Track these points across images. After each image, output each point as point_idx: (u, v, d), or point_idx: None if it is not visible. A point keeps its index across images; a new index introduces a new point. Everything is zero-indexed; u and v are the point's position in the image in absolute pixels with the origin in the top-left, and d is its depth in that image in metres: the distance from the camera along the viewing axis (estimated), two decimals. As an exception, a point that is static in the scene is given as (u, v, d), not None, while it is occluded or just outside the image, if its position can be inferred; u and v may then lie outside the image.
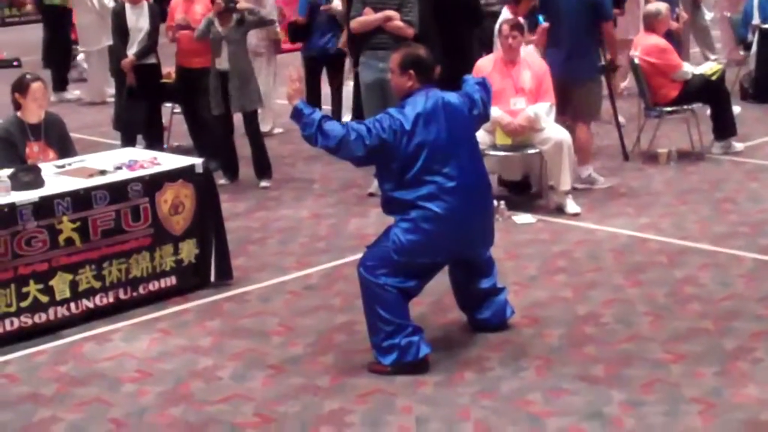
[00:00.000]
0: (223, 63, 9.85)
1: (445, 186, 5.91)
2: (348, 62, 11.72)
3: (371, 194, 9.50)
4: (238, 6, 9.89)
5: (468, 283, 6.42)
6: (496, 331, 6.49)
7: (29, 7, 16.54)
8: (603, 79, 10.10)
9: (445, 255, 6.13)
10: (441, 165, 5.92)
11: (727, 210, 8.81)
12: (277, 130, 12.16)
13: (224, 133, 10.14)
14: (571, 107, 9.47)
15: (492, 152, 8.93)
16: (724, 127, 10.52)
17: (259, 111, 11.81)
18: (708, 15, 15.24)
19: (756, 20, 13.18)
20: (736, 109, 11.20)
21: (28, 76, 7.88)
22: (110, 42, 11.87)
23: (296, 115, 5.94)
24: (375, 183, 9.57)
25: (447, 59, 9.86)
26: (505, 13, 9.51)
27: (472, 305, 6.50)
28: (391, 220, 6.20)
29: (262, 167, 10.15)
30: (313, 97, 11.74)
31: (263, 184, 10.05)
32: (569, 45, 9.33)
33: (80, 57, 15.68)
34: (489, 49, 9.80)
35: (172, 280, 7.30)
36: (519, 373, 5.97)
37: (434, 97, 6.03)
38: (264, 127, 11.94)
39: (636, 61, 10.37)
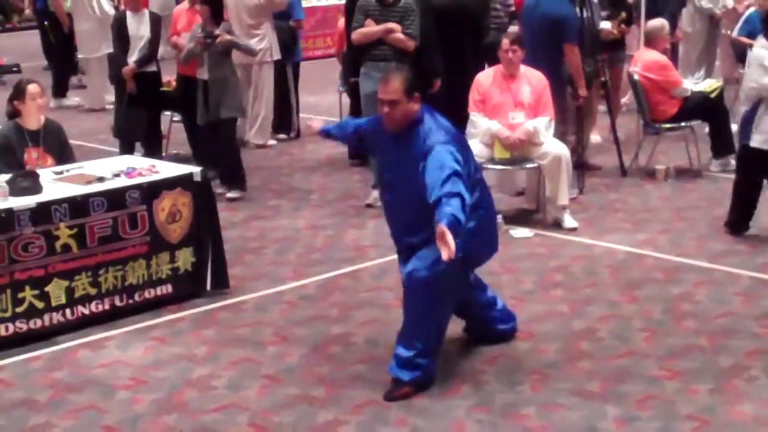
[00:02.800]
0: (203, 73, 9.81)
1: (484, 184, 6.09)
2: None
3: (369, 205, 9.50)
4: (219, 40, 9.78)
5: (474, 300, 6.42)
6: (509, 338, 6.54)
7: (28, 12, 16.46)
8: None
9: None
10: (475, 165, 6.02)
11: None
12: (271, 142, 12.15)
13: (215, 143, 10.04)
14: None
15: (490, 166, 8.94)
16: (723, 145, 10.52)
17: (258, 124, 11.90)
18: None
19: (734, 33, 13.24)
20: (734, 126, 11.20)
21: (24, 81, 7.91)
22: (110, 49, 11.89)
23: (456, 228, 5.39)
24: (373, 194, 9.59)
25: (448, 72, 9.94)
26: None
27: (483, 321, 6.50)
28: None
29: (231, 177, 10.04)
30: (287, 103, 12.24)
31: (230, 195, 9.96)
32: (530, 59, 9.16)
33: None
34: (493, 62, 9.80)
35: (168, 288, 7.29)
36: (514, 387, 5.97)
37: (432, 110, 6.00)
38: (259, 140, 11.97)
39: (635, 77, 10.39)
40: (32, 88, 7.80)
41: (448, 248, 5.24)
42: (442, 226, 5.28)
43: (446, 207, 5.37)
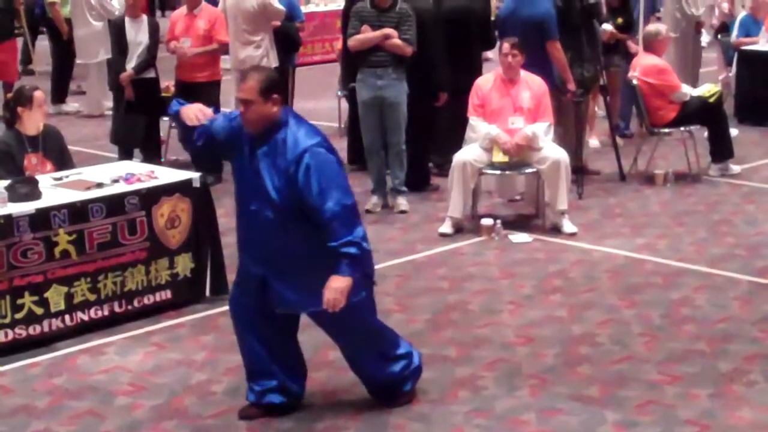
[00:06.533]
0: None
1: None
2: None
3: (368, 211, 9.50)
4: None
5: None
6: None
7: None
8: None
9: None
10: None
11: (724, 232, 8.81)
12: None
13: None
14: None
15: (489, 171, 8.95)
16: (722, 149, 10.53)
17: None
18: (705, 38, 15.36)
19: (733, 37, 13.31)
20: (734, 131, 11.22)
21: (27, 87, 7.90)
22: (108, 55, 11.87)
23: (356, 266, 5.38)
24: (372, 200, 9.60)
25: (456, 77, 9.96)
26: None
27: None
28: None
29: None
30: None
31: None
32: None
33: None
34: None
35: (167, 294, 7.29)
36: (513, 393, 5.97)
37: (295, 113, 5.61)
38: None
39: (634, 81, 10.40)
40: (39, 94, 7.78)
41: (334, 304, 5.27)
42: (340, 284, 5.27)
43: (344, 262, 5.29)
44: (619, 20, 11.72)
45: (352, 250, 5.30)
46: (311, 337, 6.76)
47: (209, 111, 5.65)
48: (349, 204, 5.34)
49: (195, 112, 5.60)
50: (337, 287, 5.28)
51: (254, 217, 5.46)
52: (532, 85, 8.93)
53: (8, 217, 6.57)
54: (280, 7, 11.48)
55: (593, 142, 11.47)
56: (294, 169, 5.31)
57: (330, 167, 5.36)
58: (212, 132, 5.61)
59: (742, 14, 13.53)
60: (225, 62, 11.74)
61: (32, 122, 7.76)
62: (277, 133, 5.40)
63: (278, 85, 5.50)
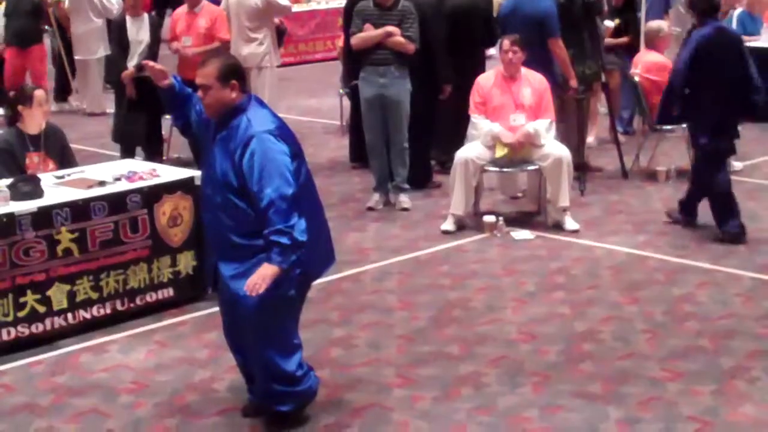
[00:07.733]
0: None
1: (311, 181, 5.58)
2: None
3: (370, 208, 9.50)
4: None
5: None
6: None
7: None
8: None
9: None
10: (300, 158, 5.46)
11: (726, 229, 8.81)
12: None
13: None
14: None
15: (492, 168, 8.94)
16: (723, 146, 10.50)
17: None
18: None
19: None
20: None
21: (28, 86, 7.91)
22: (107, 52, 11.84)
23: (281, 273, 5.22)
24: (374, 197, 9.60)
25: (458, 74, 9.97)
26: None
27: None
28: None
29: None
30: None
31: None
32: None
33: None
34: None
35: (169, 292, 7.29)
36: (516, 390, 5.97)
37: (260, 100, 5.55)
38: None
39: (636, 78, 10.39)
40: (39, 93, 7.80)
41: (253, 288, 5.14)
42: (266, 270, 5.15)
43: (274, 251, 5.16)
44: (617, 21, 11.71)
45: (283, 239, 5.15)
46: (312, 336, 6.77)
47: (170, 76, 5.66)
48: (287, 194, 5.17)
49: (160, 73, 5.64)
50: (262, 273, 5.15)
51: (208, 201, 5.46)
52: (533, 82, 8.93)
53: (10, 216, 6.58)
54: (286, 1, 11.47)
55: (589, 139, 11.44)
56: (240, 153, 5.25)
57: (275, 155, 5.23)
58: (190, 115, 5.68)
59: (738, 10, 13.48)
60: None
61: (33, 121, 7.77)
62: (235, 118, 5.36)
63: (240, 71, 5.46)
